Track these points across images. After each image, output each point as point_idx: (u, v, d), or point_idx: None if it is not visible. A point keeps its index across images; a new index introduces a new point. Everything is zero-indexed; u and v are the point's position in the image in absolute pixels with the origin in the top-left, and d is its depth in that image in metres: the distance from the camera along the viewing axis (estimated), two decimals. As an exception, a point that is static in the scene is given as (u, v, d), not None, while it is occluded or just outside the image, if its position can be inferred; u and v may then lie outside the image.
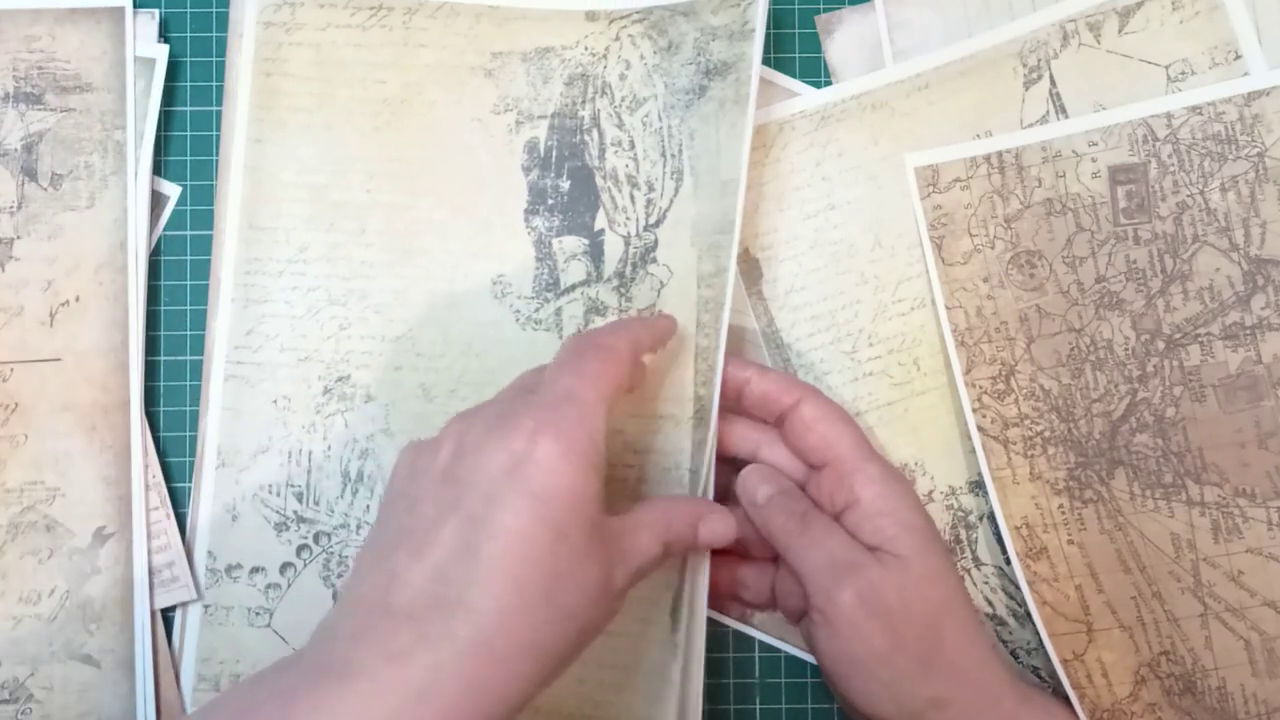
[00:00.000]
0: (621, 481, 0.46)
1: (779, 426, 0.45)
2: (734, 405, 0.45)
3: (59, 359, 0.47)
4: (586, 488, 0.36)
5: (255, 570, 0.47)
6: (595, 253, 0.48)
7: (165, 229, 0.49)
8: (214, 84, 0.49)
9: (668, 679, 0.44)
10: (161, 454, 0.48)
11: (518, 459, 0.36)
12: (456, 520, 0.35)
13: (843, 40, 0.49)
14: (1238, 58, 0.47)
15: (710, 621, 0.47)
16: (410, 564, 0.35)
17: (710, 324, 0.45)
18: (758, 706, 0.48)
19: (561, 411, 0.37)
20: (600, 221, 0.48)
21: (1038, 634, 0.46)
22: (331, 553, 0.47)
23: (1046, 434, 0.47)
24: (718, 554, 0.44)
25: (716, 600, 0.46)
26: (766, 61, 0.49)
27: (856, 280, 0.49)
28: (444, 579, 0.34)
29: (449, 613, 0.34)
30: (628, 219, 0.48)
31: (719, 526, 0.42)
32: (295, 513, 0.47)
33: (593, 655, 0.39)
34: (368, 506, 0.47)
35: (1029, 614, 0.46)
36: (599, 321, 0.48)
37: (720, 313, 0.44)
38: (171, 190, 0.49)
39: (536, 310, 0.48)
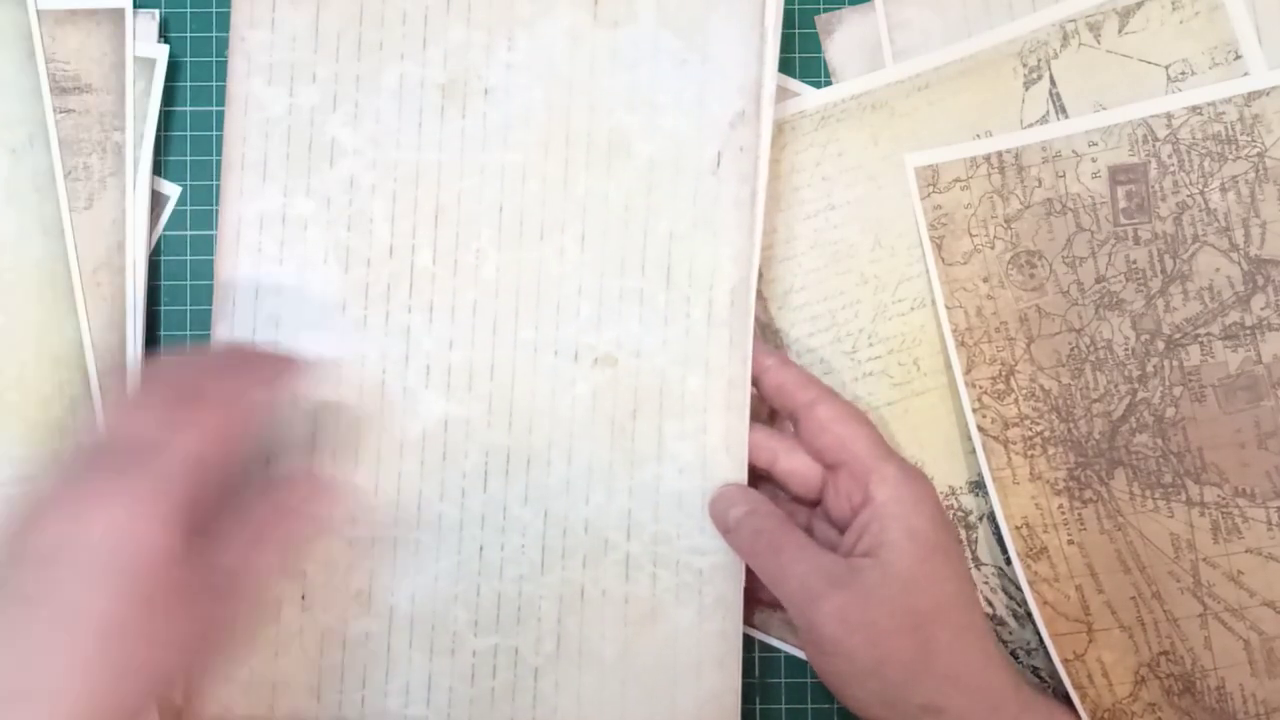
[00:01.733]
0: None
1: (794, 423, 0.45)
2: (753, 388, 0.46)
3: (58, 359, 0.47)
4: (160, 550, 0.34)
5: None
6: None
7: (165, 229, 0.49)
8: (214, 84, 0.49)
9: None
10: (161, 454, 0.48)
11: (78, 529, 0.33)
12: (11, 603, 0.33)
13: (843, 40, 0.50)
14: (1238, 58, 0.47)
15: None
16: None
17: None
18: (757, 706, 0.48)
19: (134, 471, 0.34)
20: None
21: (1037, 634, 0.46)
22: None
23: (1046, 434, 0.47)
24: None
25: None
26: (766, 61, 0.49)
27: (856, 280, 0.49)
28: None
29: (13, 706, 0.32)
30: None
31: (324, 505, 0.41)
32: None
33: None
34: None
35: (1029, 614, 0.46)
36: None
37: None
38: (171, 190, 0.49)
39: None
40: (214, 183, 0.48)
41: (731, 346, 0.46)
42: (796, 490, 0.45)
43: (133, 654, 0.33)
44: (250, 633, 0.41)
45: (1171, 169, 0.47)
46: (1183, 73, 0.47)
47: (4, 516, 0.35)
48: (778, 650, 0.48)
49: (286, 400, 0.40)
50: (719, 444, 0.45)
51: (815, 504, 0.45)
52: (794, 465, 0.45)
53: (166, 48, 0.48)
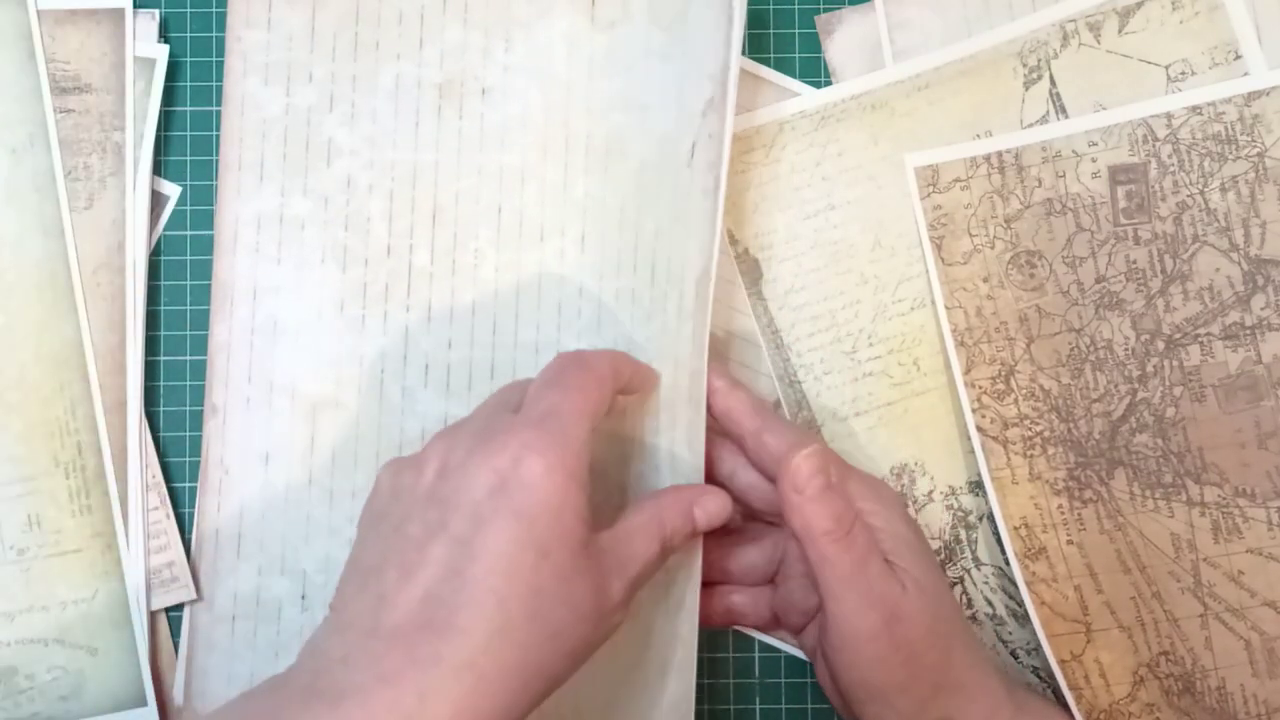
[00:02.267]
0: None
1: (741, 449, 0.44)
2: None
3: (58, 359, 0.47)
4: (571, 505, 0.36)
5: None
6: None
7: (165, 229, 0.49)
8: (214, 84, 0.49)
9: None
10: (161, 454, 0.48)
11: (502, 478, 0.36)
12: (444, 542, 0.35)
13: (843, 40, 0.49)
14: (1238, 58, 0.47)
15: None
16: (399, 586, 0.35)
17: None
18: (758, 706, 0.48)
19: (545, 428, 0.37)
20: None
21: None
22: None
23: (1046, 434, 0.47)
24: (709, 584, 0.44)
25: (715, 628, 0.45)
26: (766, 61, 0.49)
27: (856, 280, 0.49)
28: (433, 601, 0.34)
29: (437, 635, 0.34)
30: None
31: (713, 506, 0.41)
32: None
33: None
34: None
35: (1029, 614, 0.46)
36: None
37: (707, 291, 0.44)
38: (171, 190, 0.49)
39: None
40: (214, 183, 0.48)
41: (694, 339, 0.44)
42: (757, 505, 0.44)
43: (547, 616, 0.35)
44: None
45: (1171, 169, 0.47)
46: (1183, 73, 0.47)
47: (434, 459, 0.38)
48: (778, 650, 0.48)
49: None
50: (682, 439, 0.44)
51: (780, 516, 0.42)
52: (754, 479, 0.44)
53: (166, 48, 0.48)
